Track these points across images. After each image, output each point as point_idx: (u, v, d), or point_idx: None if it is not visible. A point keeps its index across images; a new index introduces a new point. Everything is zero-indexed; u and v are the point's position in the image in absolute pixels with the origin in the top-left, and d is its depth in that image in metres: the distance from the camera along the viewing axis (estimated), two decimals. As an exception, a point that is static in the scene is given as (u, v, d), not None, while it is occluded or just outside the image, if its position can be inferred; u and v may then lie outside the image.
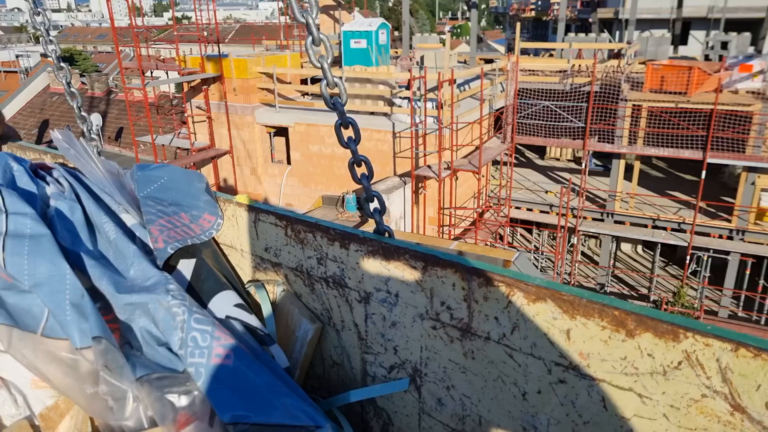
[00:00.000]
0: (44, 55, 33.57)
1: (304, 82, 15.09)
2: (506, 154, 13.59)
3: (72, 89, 2.16)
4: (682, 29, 20.97)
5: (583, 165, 13.57)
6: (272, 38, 23.14)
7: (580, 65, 14.93)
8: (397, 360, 1.40)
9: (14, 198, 1.39)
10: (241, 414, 1.20)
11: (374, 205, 1.45)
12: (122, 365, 1.23)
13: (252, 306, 1.59)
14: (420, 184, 12.04)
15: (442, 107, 11.04)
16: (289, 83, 14.20)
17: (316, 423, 1.24)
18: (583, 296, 1.03)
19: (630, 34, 21.37)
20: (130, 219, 1.56)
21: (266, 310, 1.58)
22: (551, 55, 17.49)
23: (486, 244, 12.48)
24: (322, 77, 1.36)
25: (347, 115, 1.38)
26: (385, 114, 12.55)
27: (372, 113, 12.69)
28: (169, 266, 1.47)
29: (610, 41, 19.47)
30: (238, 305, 1.47)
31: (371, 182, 1.45)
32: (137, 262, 1.42)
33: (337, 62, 16.71)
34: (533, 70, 15.27)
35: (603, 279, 14.19)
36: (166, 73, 13.97)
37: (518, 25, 15.11)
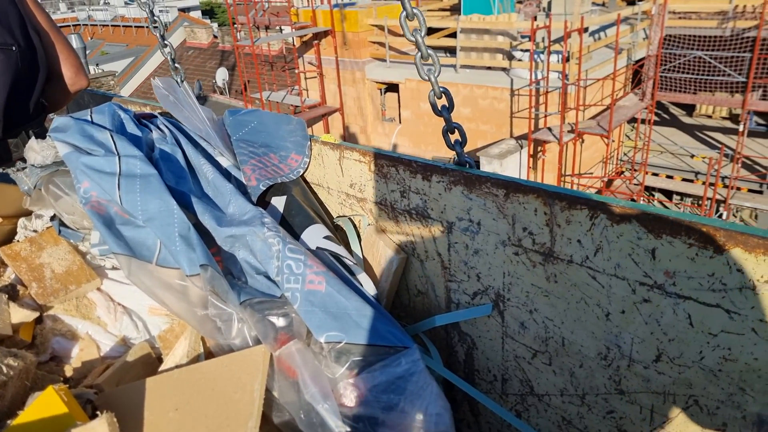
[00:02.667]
0: (182, 10, 35.70)
1: (418, 33, 14.19)
2: (645, 112, 11.81)
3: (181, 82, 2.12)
4: None
5: (741, 125, 11.39)
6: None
7: (745, 6, 12.35)
8: (480, 287, 1.43)
9: (124, 142, 1.52)
10: (335, 334, 1.28)
11: (455, 136, 1.45)
12: (227, 290, 1.33)
13: (340, 239, 1.64)
14: (539, 148, 10.89)
15: (567, 60, 9.68)
16: (402, 35, 13.41)
17: (404, 344, 1.31)
18: (669, 215, 1.02)
19: None
20: (225, 161, 1.66)
21: (353, 242, 1.65)
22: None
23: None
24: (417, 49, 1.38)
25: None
26: (503, 69, 11.39)
27: (488, 68, 11.58)
28: (263, 202, 1.57)
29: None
30: (327, 237, 1.54)
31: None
32: (234, 199, 1.51)
33: (456, 9, 15.51)
34: (685, 13, 12.94)
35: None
36: (280, 29, 13.85)
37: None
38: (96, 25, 33.57)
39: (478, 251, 1.38)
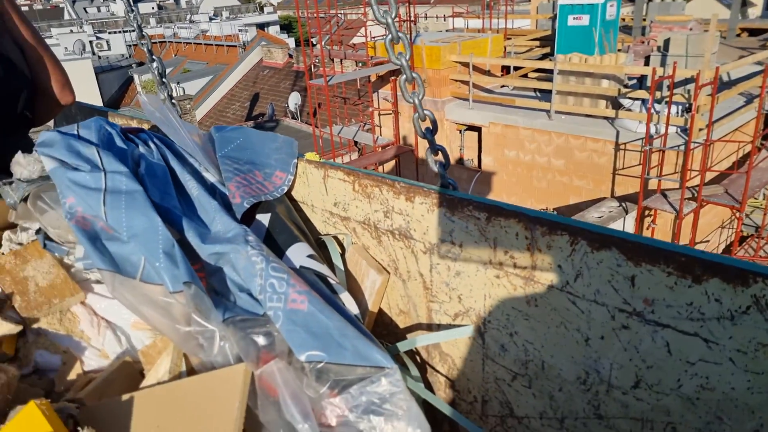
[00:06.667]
0: (261, 26, 36.04)
1: (506, 71, 12.82)
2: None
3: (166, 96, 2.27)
4: None
5: None
6: None
7: None
8: (462, 308, 1.44)
9: (110, 158, 1.55)
10: (316, 353, 1.28)
11: (438, 158, 1.50)
12: (210, 308, 1.35)
13: (323, 257, 1.62)
14: (646, 212, 9.22)
15: (696, 112, 8.01)
16: (488, 72, 12.09)
17: (385, 364, 1.29)
18: (648, 243, 1.03)
19: None
20: (210, 177, 1.68)
21: (337, 261, 1.65)
22: None
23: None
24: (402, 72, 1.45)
25: (425, 110, 1.52)
26: (606, 118, 9.81)
27: (588, 116, 10.04)
28: (248, 220, 1.57)
29: None
30: (310, 256, 1.54)
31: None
32: (219, 216, 1.52)
33: (546, 40, 14.01)
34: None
35: None
36: (356, 63, 12.92)
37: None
38: (180, 42, 34.41)
39: (459, 273, 1.40)
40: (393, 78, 12.06)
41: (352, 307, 1.48)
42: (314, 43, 14.22)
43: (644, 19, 14.91)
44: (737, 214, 8.72)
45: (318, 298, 1.36)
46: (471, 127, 11.84)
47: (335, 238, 1.72)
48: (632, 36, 14.46)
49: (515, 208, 1.21)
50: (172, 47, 34.75)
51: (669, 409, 1.11)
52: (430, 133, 1.47)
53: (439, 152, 1.48)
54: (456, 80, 11.75)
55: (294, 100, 20.91)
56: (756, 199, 11.21)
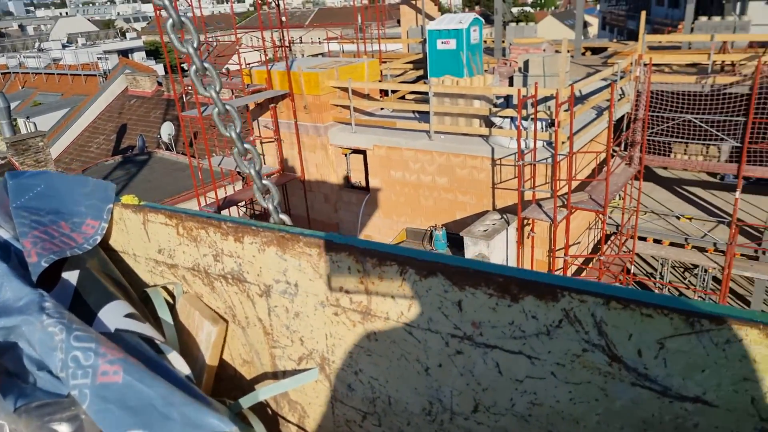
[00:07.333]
0: (124, 53, 33.75)
1: (384, 93, 13.14)
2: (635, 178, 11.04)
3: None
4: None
5: (734, 187, 10.78)
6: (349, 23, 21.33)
7: (723, 61, 11.94)
8: (305, 351, 1.40)
9: None
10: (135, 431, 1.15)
11: (267, 194, 1.44)
12: None
13: (149, 313, 1.52)
14: (525, 221, 9.87)
15: (558, 127, 8.74)
16: (367, 96, 12.31)
17: (222, 429, 1.19)
18: (470, 266, 1.05)
19: (744, 6, 17.46)
20: (3, 233, 1.48)
21: (164, 315, 1.52)
22: (680, 48, 14.40)
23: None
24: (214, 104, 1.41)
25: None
26: (481, 136, 10.40)
27: (465, 134, 10.57)
28: (50, 281, 1.39)
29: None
30: (129, 315, 1.40)
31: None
32: (8, 281, 1.34)
33: (420, 63, 14.61)
34: (658, 65, 12.44)
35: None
36: (231, 91, 12.51)
37: (642, 17, 12.24)
38: (28, 72, 31.17)
39: (298, 314, 1.35)
40: (272, 105, 11.85)
41: (183, 368, 1.36)
42: (185, 69, 13.58)
43: (503, 41, 16.13)
44: (601, 217, 9.61)
45: (136, 365, 1.22)
46: (356, 150, 11.95)
47: (164, 288, 1.59)
48: (495, 57, 15.56)
49: (344, 240, 1.19)
50: (19, 78, 31.40)
51: (507, 429, 1.14)
52: (255, 171, 1.40)
53: (268, 187, 1.41)
54: (337, 105, 11.82)
55: (167, 130, 19.76)
56: (614, 200, 12.49)
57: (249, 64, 12.51)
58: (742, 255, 11.01)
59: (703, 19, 13.98)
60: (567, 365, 1.02)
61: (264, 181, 1.46)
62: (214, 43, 16.18)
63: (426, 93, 10.77)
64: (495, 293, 1.03)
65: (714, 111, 10.64)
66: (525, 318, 1.02)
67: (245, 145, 1.41)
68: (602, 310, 0.95)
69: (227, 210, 12.84)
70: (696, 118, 10.35)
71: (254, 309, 1.44)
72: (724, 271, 10.47)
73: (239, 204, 12.83)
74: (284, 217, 1.41)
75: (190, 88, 15.12)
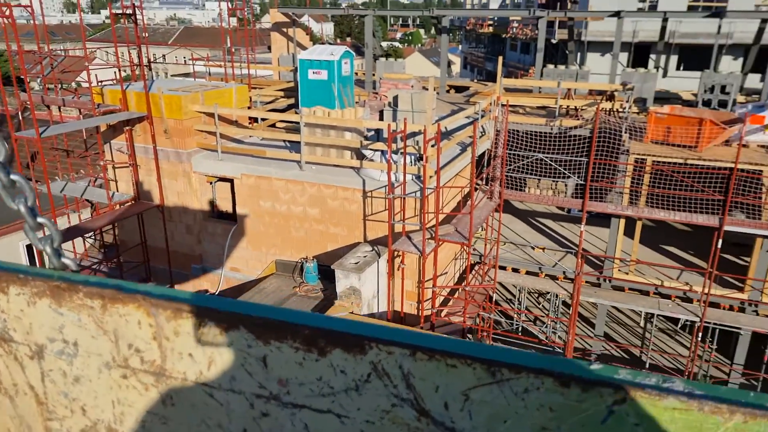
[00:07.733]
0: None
1: (254, 120, 12.69)
2: (496, 211, 11.71)
3: None
4: (635, 53, 19.98)
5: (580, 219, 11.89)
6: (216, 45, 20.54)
7: (568, 106, 13.30)
8: (88, 422, 1.25)
9: None
10: None
11: (44, 233, 1.24)
12: None
13: None
14: (396, 253, 9.97)
15: (426, 162, 8.99)
16: (236, 122, 11.79)
17: None
18: (274, 317, 0.97)
19: (583, 57, 20.10)
20: None
21: None
22: (532, 91, 15.83)
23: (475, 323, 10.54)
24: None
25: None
26: (352, 168, 10.40)
27: (337, 166, 10.50)
28: None
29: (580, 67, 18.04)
30: None
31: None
32: None
33: (292, 91, 14.39)
34: (513, 106, 13.52)
35: (599, 345, 12.57)
36: (79, 111, 11.26)
37: (499, 62, 13.27)
38: None
39: (79, 378, 1.20)
40: (128, 128, 10.85)
41: None
42: (29, 81, 11.99)
43: (374, 74, 16.53)
44: (466, 249, 10.02)
45: None
46: (222, 179, 11.33)
47: None
48: (366, 90, 15.87)
49: (134, 289, 1.05)
50: None
51: None
52: (28, 209, 1.22)
53: (44, 227, 1.22)
54: (202, 131, 11.15)
55: (-2, 149, 17.26)
56: (478, 232, 13.16)
57: (101, 82, 11.39)
58: (586, 282, 12.14)
59: (551, 66, 15.53)
60: (377, 422, 0.99)
61: (39, 219, 1.25)
62: (63, 55, 14.57)
63: (297, 123, 10.56)
64: (301, 347, 0.97)
65: (561, 151, 11.73)
66: (333, 373, 0.97)
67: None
68: (409, 362, 0.92)
69: (71, 241, 11.42)
70: (546, 157, 11.31)
71: (24, 374, 1.27)
72: (573, 298, 11.43)
73: (86, 235, 11.48)
74: (68, 261, 1.21)
75: (28, 103, 13.25)
